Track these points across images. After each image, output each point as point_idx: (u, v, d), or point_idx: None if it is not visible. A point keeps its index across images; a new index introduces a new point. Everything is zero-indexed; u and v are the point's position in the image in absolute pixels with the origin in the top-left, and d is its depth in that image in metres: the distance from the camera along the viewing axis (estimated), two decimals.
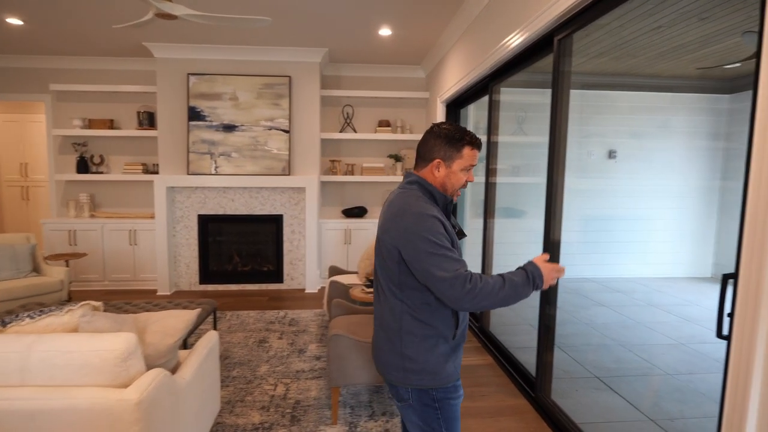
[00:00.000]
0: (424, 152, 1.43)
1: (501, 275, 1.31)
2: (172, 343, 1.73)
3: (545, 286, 1.32)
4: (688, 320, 4.42)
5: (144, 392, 1.47)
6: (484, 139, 4.77)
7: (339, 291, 3.49)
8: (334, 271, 4.14)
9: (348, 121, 5.74)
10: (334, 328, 2.60)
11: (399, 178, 5.67)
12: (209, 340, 2.17)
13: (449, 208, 1.46)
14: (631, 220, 6.32)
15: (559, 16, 2.33)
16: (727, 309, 1.40)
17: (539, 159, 3.57)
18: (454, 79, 4.37)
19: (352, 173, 5.72)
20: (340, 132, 5.69)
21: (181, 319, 1.78)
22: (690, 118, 6.28)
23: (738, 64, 5.39)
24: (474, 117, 4.95)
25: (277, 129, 5.19)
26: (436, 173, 1.41)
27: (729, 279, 1.41)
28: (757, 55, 1.26)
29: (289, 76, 5.16)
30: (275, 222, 5.40)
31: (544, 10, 2.44)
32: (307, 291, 5.36)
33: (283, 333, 3.91)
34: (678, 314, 4.59)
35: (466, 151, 1.41)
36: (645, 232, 6.32)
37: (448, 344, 1.40)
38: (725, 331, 1.42)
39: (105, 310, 2.86)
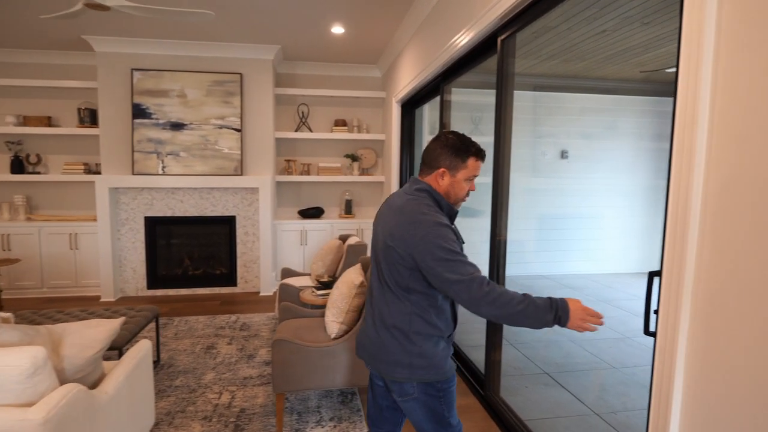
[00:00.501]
0: (430, 160, 1.48)
1: (523, 293, 1.33)
2: (92, 355, 1.61)
3: (571, 325, 1.30)
4: (634, 314, 4.58)
5: (52, 410, 1.35)
6: (427, 138, 4.80)
7: (290, 294, 3.40)
8: (287, 273, 4.04)
9: (303, 120, 5.63)
10: (279, 332, 2.52)
11: (356, 179, 5.62)
12: (139, 349, 2.05)
13: (453, 216, 1.52)
14: (582, 219, 6.51)
15: (501, 16, 2.33)
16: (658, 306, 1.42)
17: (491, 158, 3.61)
18: (407, 79, 4.36)
19: (308, 173, 5.62)
20: (296, 131, 5.59)
21: (102, 329, 1.66)
22: (636, 120, 6.54)
23: (671, 70, 5.64)
24: (429, 117, 4.96)
25: (229, 128, 5.03)
26: (440, 181, 1.47)
27: (654, 276, 1.43)
28: (677, 65, 1.28)
29: (241, 74, 5.01)
30: (228, 223, 5.23)
31: (487, 10, 2.45)
32: (261, 294, 5.22)
33: (233, 338, 3.78)
34: (625, 309, 4.75)
35: (471, 161, 1.47)
36: (596, 230, 6.53)
37: (446, 341, 1.50)
38: (652, 328, 1.44)
39: (17, 322, 2.67)
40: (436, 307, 1.44)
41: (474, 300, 1.28)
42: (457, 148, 1.46)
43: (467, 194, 1.52)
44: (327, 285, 3.15)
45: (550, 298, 1.32)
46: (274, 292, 5.27)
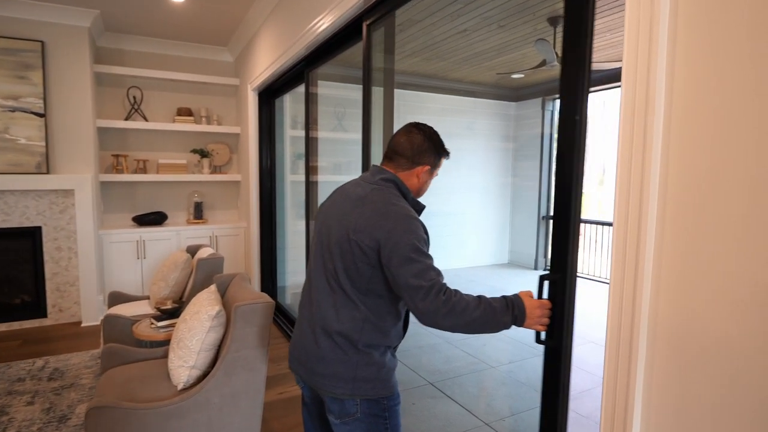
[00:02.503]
0: (413, 154, 1.33)
1: (478, 295, 1.21)
2: None
3: (528, 324, 1.24)
4: None
5: None
6: (301, 134, 4.34)
7: (119, 328, 2.62)
8: (116, 299, 3.17)
9: (136, 106, 4.64)
10: (99, 392, 1.82)
11: (207, 177, 4.84)
12: None
13: (420, 211, 1.36)
14: (446, 216, 6.70)
15: None
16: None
17: (356, 156, 3.35)
18: (264, 64, 3.81)
19: (144, 171, 4.65)
20: (127, 119, 4.57)
21: None
22: (488, 122, 6.97)
23: (521, 75, 6.12)
24: (291, 110, 4.48)
25: (26, 111, 3.84)
26: (418, 179, 1.35)
27: (545, 280, 1.33)
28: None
29: (42, 42, 3.86)
30: (30, 237, 4.02)
31: None
32: (84, 324, 4.13)
33: (37, 393, 2.81)
34: None
35: (443, 161, 1.40)
36: (458, 226, 6.78)
37: (392, 352, 1.35)
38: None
39: None
40: (394, 314, 1.30)
41: (430, 311, 1.14)
42: (439, 144, 1.37)
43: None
44: (171, 314, 2.48)
45: (504, 297, 1.24)
46: (103, 320, 4.22)
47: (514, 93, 7.15)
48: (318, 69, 3.22)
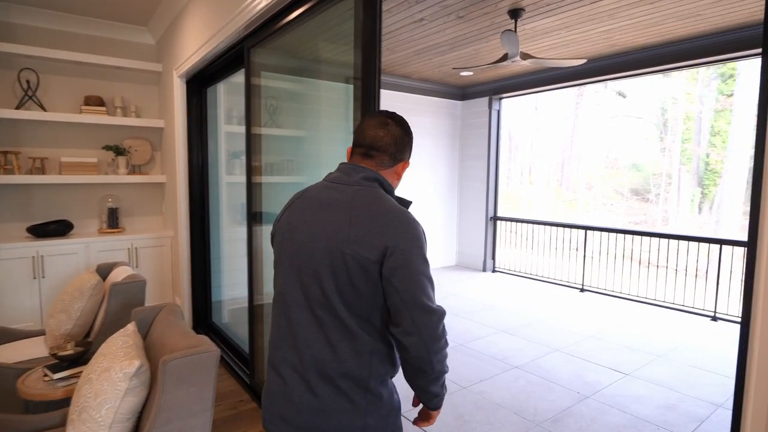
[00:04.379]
0: (396, 150, 1.15)
1: None
2: None
3: (434, 415, 1.21)
4: (456, 314, 4.49)
5: None
6: (237, 129, 3.78)
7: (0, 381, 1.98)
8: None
9: (30, 93, 3.82)
10: None
11: (124, 179, 4.12)
12: None
13: None
14: None
15: None
16: None
17: (304, 155, 2.94)
18: (194, 45, 3.23)
19: (43, 171, 3.85)
20: (18, 109, 3.75)
21: None
22: (435, 121, 6.72)
23: (469, 73, 5.94)
24: (226, 102, 3.90)
25: None
26: (398, 176, 1.20)
27: None
28: None
29: None
30: None
31: None
32: None
33: None
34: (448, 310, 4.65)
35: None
36: None
37: (392, 382, 1.15)
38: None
39: None
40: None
41: (434, 338, 1.02)
42: (412, 136, 1.22)
43: None
44: (73, 361, 1.89)
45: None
46: None
47: (461, 91, 6.98)
48: (262, 50, 2.72)
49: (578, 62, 3.98)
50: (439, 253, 6.94)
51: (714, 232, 10.83)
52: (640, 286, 5.08)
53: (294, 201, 1.17)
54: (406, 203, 1.15)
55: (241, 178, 3.30)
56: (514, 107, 6.69)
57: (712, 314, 4.42)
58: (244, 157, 2.96)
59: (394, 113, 1.19)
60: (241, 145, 3.07)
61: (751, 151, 10.44)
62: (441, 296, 5.17)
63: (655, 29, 4.16)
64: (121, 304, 2.21)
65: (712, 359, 3.42)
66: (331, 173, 1.17)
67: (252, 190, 2.92)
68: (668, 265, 4.95)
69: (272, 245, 1.19)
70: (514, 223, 6.72)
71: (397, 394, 1.15)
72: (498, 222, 6.74)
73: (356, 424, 1.03)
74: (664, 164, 12.11)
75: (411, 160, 1.23)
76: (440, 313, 1.03)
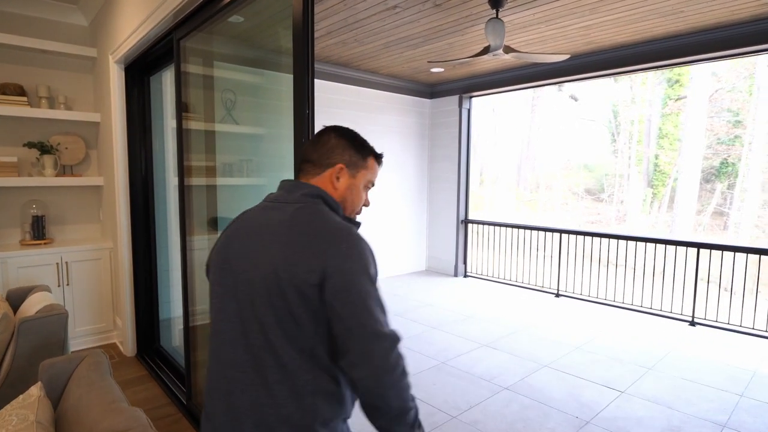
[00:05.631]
0: (320, 155, 1.05)
1: None
2: None
3: None
4: (432, 327, 4.18)
5: None
6: (172, 124, 3.30)
7: None
8: None
9: None
10: None
11: (52, 181, 3.53)
12: None
13: None
14: (364, 223, 5.99)
15: None
16: None
17: (260, 155, 2.56)
18: (133, 24, 2.74)
19: None
20: None
21: None
22: (402, 119, 6.41)
23: (440, 70, 5.66)
24: (173, 93, 3.39)
25: None
26: (336, 183, 1.04)
27: None
28: None
29: None
30: None
31: None
32: None
33: None
34: (420, 320, 4.33)
35: (371, 162, 1.10)
36: (371, 231, 6.12)
37: (346, 425, 1.01)
38: None
39: None
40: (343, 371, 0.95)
41: (389, 367, 0.87)
42: (357, 140, 1.08)
43: (361, 208, 1.12)
44: None
45: None
46: None
47: (429, 89, 6.70)
48: (194, 34, 2.30)
49: (561, 58, 3.77)
50: (408, 257, 6.64)
51: (670, 232, 11.18)
52: (616, 291, 4.97)
53: (230, 226, 1.06)
54: (355, 224, 1.06)
55: (194, 181, 2.85)
56: (473, 108, 6.47)
57: (690, 319, 4.34)
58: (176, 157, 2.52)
59: (336, 125, 1.10)
60: (195, 144, 2.61)
61: (703, 152, 10.76)
62: (414, 306, 4.85)
63: (635, 26, 4.02)
64: (32, 347, 1.71)
65: (701, 370, 3.28)
66: (271, 193, 1.07)
67: (185, 194, 2.50)
68: (645, 269, 4.86)
69: (207, 278, 1.07)
70: (483, 226, 6.51)
71: (343, 418, 0.99)
72: (469, 225, 6.51)
73: None
74: (617, 165, 12.42)
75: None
76: (392, 339, 0.89)
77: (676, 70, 10.57)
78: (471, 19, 3.91)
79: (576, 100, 12.92)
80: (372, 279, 0.91)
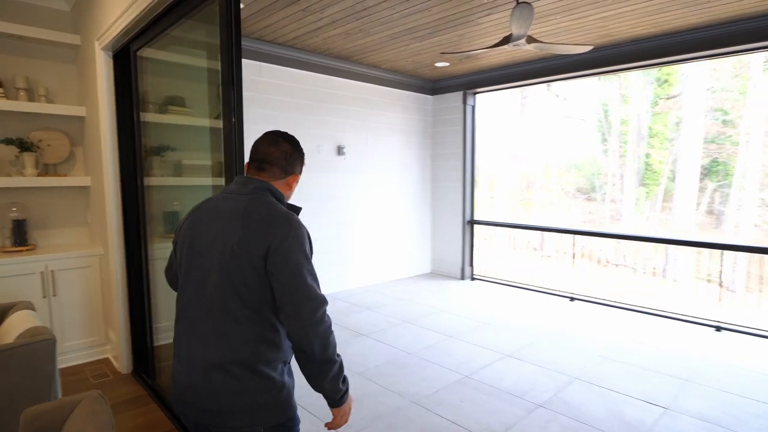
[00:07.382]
0: (286, 163, 1.30)
1: None
2: None
3: (343, 409, 1.25)
4: (448, 335, 3.93)
5: None
6: (195, 120, 3.00)
7: None
8: None
9: None
10: None
11: (33, 182, 3.19)
12: None
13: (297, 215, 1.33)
14: (360, 222, 5.72)
15: None
16: None
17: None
18: (122, 4, 2.42)
19: None
20: None
21: None
22: (404, 116, 6.14)
23: (446, 64, 5.41)
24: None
25: None
26: (290, 188, 1.34)
27: None
28: None
29: None
30: None
31: None
32: None
33: None
34: (435, 328, 4.07)
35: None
36: (374, 234, 5.85)
37: (289, 371, 1.27)
38: None
39: None
40: (280, 323, 1.20)
41: (315, 322, 1.14)
42: (303, 153, 1.36)
43: None
44: None
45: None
46: None
47: (431, 85, 6.45)
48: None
49: (585, 49, 3.53)
50: (412, 259, 6.37)
51: (670, 232, 11.09)
52: (633, 294, 4.76)
53: (194, 211, 1.29)
54: (296, 209, 1.27)
55: (190, 181, 2.57)
56: (477, 105, 6.24)
57: (716, 324, 4.15)
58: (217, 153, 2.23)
59: (285, 133, 1.32)
60: (200, 139, 2.32)
61: (699, 152, 10.68)
62: (424, 312, 4.59)
63: (655, 18, 3.81)
64: (13, 384, 1.41)
65: (741, 382, 3.07)
66: (228, 185, 1.31)
67: (143, 194, 2.22)
68: (665, 271, 4.66)
69: (174, 252, 1.32)
70: (488, 227, 6.27)
71: (291, 378, 1.25)
72: (475, 226, 6.27)
73: (245, 404, 1.14)
74: (609, 164, 12.33)
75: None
76: (320, 300, 1.15)
77: (665, 69, 10.49)
78: (487, 8, 3.66)
79: (564, 99, 12.80)
80: (306, 254, 1.17)
